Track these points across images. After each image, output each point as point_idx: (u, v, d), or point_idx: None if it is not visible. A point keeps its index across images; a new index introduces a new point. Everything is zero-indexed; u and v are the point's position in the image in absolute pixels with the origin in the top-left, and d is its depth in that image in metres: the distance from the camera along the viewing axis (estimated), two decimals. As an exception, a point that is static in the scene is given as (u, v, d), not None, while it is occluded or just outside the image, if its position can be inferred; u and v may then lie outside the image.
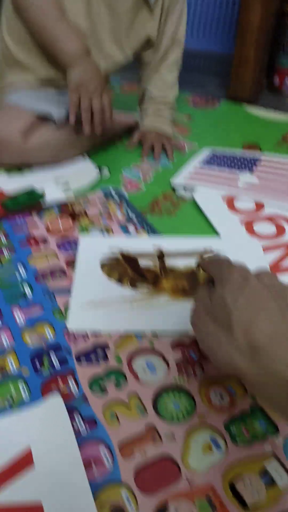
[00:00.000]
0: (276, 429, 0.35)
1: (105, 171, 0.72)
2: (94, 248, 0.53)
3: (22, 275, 0.49)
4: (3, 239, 0.54)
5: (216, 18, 1.33)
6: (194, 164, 0.73)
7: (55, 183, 0.66)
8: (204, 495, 0.31)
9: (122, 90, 1.02)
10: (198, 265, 0.51)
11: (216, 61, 1.27)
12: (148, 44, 0.75)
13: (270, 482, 0.32)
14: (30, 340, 0.42)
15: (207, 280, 0.49)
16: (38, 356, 0.40)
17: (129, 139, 0.80)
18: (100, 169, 0.72)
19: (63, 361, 0.40)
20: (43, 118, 0.69)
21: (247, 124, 0.90)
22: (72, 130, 0.69)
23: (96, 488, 0.31)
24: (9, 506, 0.29)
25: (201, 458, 0.33)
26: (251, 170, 0.69)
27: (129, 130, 0.82)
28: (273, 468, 0.33)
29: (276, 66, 1.05)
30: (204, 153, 0.77)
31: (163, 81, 0.77)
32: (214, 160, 0.73)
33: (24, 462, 0.32)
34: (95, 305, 0.45)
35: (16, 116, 0.67)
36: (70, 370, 0.39)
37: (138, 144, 0.79)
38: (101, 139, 0.76)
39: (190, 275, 0.50)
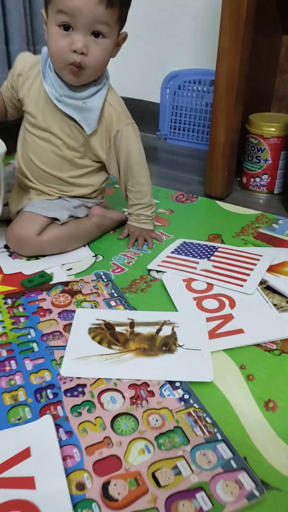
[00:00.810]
0: (188, 441, 0.54)
1: (100, 257, 0.95)
2: (85, 317, 0.75)
3: (32, 336, 0.71)
4: (21, 310, 0.76)
5: (198, 118, 1.63)
6: (167, 252, 0.96)
7: (61, 268, 0.90)
8: (134, 477, 0.50)
9: (115, 187, 1.28)
10: (157, 331, 0.72)
11: (200, 158, 1.55)
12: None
13: (178, 473, 0.51)
14: (35, 380, 0.63)
15: (162, 343, 0.70)
16: (39, 391, 0.61)
17: (120, 230, 1.04)
18: (96, 256, 0.95)
19: (55, 395, 0.60)
20: (52, 220, 0.93)
21: (216, 217, 1.14)
22: (74, 228, 0.95)
23: (68, 472, 0.50)
24: (9, 478, 0.49)
25: (136, 457, 0.52)
26: (208, 257, 0.92)
27: (121, 223, 1.06)
28: (181, 465, 0.52)
29: (243, 169, 1.31)
30: (176, 243, 1.00)
31: (137, 191, 0.97)
32: (182, 249, 0.96)
33: (24, 455, 0.52)
34: (80, 359, 0.66)
35: (32, 220, 0.91)
36: (59, 400, 0.59)
37: (126, 236, 1.02)
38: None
39: (150, 339, 0.71)
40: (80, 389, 0.61)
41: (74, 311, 0.77)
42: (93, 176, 0.98)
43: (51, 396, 0.60)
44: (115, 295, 0.82)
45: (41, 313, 0.76)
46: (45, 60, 0.87)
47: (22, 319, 0.75)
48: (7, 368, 0.65)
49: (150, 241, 1.00)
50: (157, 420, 0.57)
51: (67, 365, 0.65)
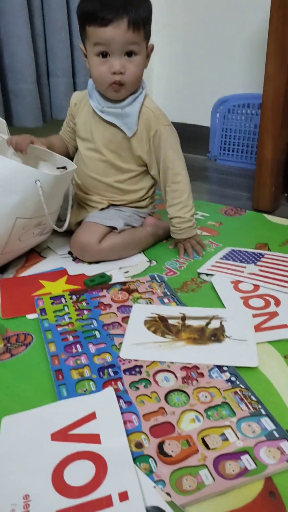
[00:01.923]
0: (234, 414, 0.60)
1: (154, 262, 1.04)
2: (141, 311, 0.83)
3: (95, 325, 0.80)
4: (85, 304, 0.86)
5: (246, 139, 1.71)
6: (216, 258, 1.03)
7: (119, 271, 0.99)
8: (185, 439, 0.57)
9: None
10: (206, 324, 0.79)
11: (248, 177, 1.62)
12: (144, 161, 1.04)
13: (225, 439, 0.57)
14: (98, 361, 0.71)
15: (211, 334, 0.77)
16: (102, 369, 0.69)
17: (170, 240, 1.12)
18: (150, 261, 1.04)
19: (115, 373, 0.69)
20: (110, 229, 1.03)
21: (263, 228, 1.20)
22: (130, 236, 1.04)
23: (127, 433, 0.58)
24: (79, 434, 0.57)
25: (188, 425, 0.59)
26: (255, 263, 0.98)
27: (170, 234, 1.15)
28: (228, 432, 0.58)
29: (291, 185, 1.37)
30: (225, 250, 1.07)
31: (177, 205, 1.03)
32: (230, 255, 1.03)
33: (91, 417, 0.60)
34: (138, 345, 0.74)
35: (93, 229, 1.01)
36: (119, 377, 0.68)
37: (175, 245, 1.10)
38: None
39: (201, 330, 0.78)
40: (137, 369, 0.69)
41: (131, 306, 0.85)
42: (139, 181, 1.08)
43: (112, 374, 0.68)
44: (168, 293, 0.90)
45: (102, 307, 0.85)
46: (91, 86, 1.02)
47: (85, 312, 0.84)
48: (74, 350, 0.74)
49: (198, 248, 1.07)
50: (206, 397, 0.64)
51: (126, 349, 0.73)
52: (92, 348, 0.74)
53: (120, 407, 0.62)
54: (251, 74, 1.69)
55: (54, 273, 1.00)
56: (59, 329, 0.79)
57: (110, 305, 0.86)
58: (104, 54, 0.91)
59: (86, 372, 0.69)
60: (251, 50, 1.66)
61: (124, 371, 0.69)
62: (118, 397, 0.64)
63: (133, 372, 0.69)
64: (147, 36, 0.95)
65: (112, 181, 1.06)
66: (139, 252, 1.08)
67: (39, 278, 0.97)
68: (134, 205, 1.10)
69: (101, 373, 0.69)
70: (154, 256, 1.07)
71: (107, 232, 1.02)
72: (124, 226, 1.04)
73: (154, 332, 0.78)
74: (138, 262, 1.04)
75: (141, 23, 0.90)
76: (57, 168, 0.95)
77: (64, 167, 0.97)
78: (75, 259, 1.05)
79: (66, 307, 0.85)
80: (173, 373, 0.68)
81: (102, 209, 1.08)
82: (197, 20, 1.73)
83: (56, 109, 1.32)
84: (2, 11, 1.17)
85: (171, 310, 0.84)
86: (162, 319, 0.81)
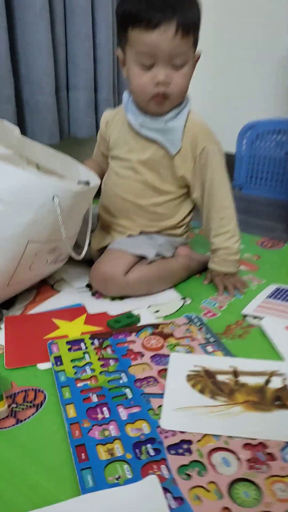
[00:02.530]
0: None
1: (188, 300, 0.88)
2: (181, 363, 0.66)
3: (124, 381, 0.63)
4: (110, 352, 0.70)
5: (277, 168, 1.58)
6: (262, 297, 0.87)
7: (148, 310, 0.83)
8: None
9: (200, 232, 1.23)
10: (266, 383, 0.62)
11: (285, 208, 1.48)
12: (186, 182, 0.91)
13: None
14: (132, 432, 0.54)
15: (274, 397, 0.60)
16: (138, 445, 0.52)
17: (205, 275, 0.97)
18: (184, 298, 0.88)
19: (157, 451, 0.51)
20: (139, 259, 0.88)
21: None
22: (161, 268, 0.89)
23: None
24: None
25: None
26: (311, 304, 0.82)
27: (206, 266, 0.99)
28: None
29: None
30: (270, 288, 0.91)
31: (225, 234, 0.90)
32: (279, 294, 0.87)
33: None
34: (182, 410, 0.57)
35: (119, 258, 0.87)
36: (162, 458, 0.50)
37: (211, 281, 0.95)
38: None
39: (259, 391, 0.61)
40: (185, 446, 0.52)
41: (167, 356, 0.69)
42: (177, 206, 0.94)
43: (152, 453, 0.51)
44: (211, 340, 0.73)
45: (132, 356, 0.69)
46: (126, 99, 0.90)
47: (111, 362, 0.67)
48: (100, 416, 0.57)
49: (239, 285, 0.92)
50: (283, 491, 0.46)
51: (167, 417, 0.56)
52: (123, 413, 0.57)
53: (169, 507, 0.44)
54: (282, 98, 1.57)
55: (70, 310, 0.84)
56: (79, 384, 0.62)
57: (141, 354, 0.69)
58: (147, 63, 0.79)
59: (118, 450, 0.52)
60: (283, 72, 1.56)
61: (169, 448, 0.52)
62: (165, 490, 0.46)
63: (180, 451, 0.52)
64: (195, 43, 0.83)
65: (147, 203, 0.92)
66: (170, 288, 0.92)
67: (52, 317, 0.81)
68: (168, 232, 0.95)
69: (137, 450, 0.52)
70: (188, 293, 0.91)
71: (134, 262, 0.87)
72: (155, 256, 0.88)
73: (201, 391, 0.61)
74: (170, 300, 0.88)
75: (191, 27, 0.78)
76: (78, 182, 0.81)
77: (87, 183, 0.83)
78: (95, 293, 0.89)
79: (87, 355, 0.69)
80: (234, 453, 0.51)
81: (130, 235, 0.93)
82: (225, 40, 1.63)
83: (74, 125, 1.19)
84: (22, 17, 1.07)
85: (218, 362, 0.67)
86: (209, 374, 0.64)
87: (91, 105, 1.25)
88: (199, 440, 0.53)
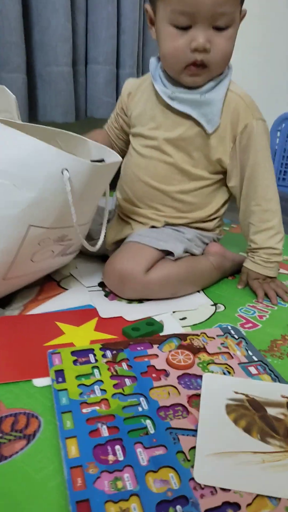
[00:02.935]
0: None
1: (221, 307, 0.72)
2: (218, 388, 0.51)
3: (144, 408, 0.48)
4: (126, 368, 0.55)
5: None
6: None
7: (172, 316, 0.68)
8: None
9: (231, 230, 1.08)
10: None
11: None
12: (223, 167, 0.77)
13: None
14: (155, 485, 0.39)
15: None
16: (164, 507, 0.37)
17: (239, 277, 0.82)
18: (215, 304, 0.73)
19: (191, 517, 0.36)
20: (163, 254, 0.73)
21: None
22: (190, 267, 0.74)
23: None
24: None
25: None
26: None
27: (239, 268, 0.84)
28: None
29: None
30: None
31: (269, 230, 0.76)
32: None
33: None
34: (222, 457, 0.42)
35: (139, 253, 0.72)
36: (199, 530, 0.35)
37: (246, 284, 0.80)
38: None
39: None
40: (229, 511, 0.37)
41: (199, 376, 0.53)
42: (210, 194, 0.79)
43: (184, 520, 0.36)
44: (255, 359, 0.58)
45: (154, 375, 0.54)
46: (154, 67, 0.76)
47: (127, 381, 0.52)
48: (111, 458, 0.42)
49: (281, 291, 0.76)
50: None
51: (202, 465, 0.41)
52: (142, 456, 0.42)
53: None
54: None
55: (78, 312, 0.69)
56: (86, 410, 0.47)
57: (166, 372, 0.54)
58: (184, 23, 0.65)
59: (135, 511, 0.37)
60: None
61: (206, 514, 0.37)
62: None
63: (223, 519, 0.36)
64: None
65: (175, 190, 0.77)
66: (199, 291, 0.77)
67: (56, 319, 0.67)
68: (198, 225, 0.80)
69: (163, 515, 0.36)
70: (220, 298, 0.76)
71: (158, 258, 0.72)
72: (182, 252, 0.73)
73: (248, 430, 0.45)
74: (199, 305, 0.73)
75: None
76: (92, 161, 0.66)
77: (102, 161, 0.68)
78: (108, 294, 0.75)
79: (96, 371, 0.54)
80: (301, 527, 0.36)
81: (152, 227, 0.78)
82: (260, 29, 1.48)
83: (92, 104, 1.05)
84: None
85: (267, 390, 0.52)
86: (256, 406, 0.49)
87: (112, 82, 1.10)
88: (249, 504, 0.38)
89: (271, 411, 0.48)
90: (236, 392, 0.51)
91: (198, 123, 0.73)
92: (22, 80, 0.93)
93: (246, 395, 0.50)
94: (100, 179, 0.66)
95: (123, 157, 0.81)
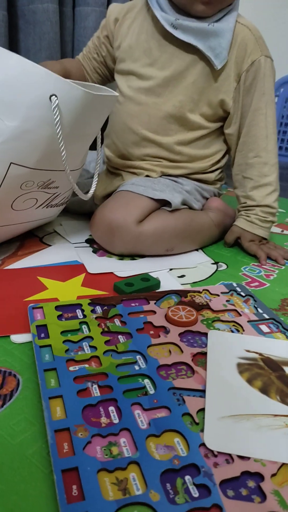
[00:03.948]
0: None
1: (223, 265, 0.65)
2: (226, 346, 0.44)
3: (142, 367, 0.41)
4: (119, 324, 0.47)
5: None
6: None
7: (169, 274, 0.61)
8: None
9: (228, 193, 1.01)
10: None
11: None
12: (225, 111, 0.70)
13: None
14: (158, 452, 0.32)
15: None
16: (170, 478, 0.30)
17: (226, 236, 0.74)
18: (216, 263, 0.66)
19: (204, 489, 0.29)
20: (159, 205, 0.66)
21: None
22: (187, 220, 0.66)
23: None
24: None
25: None
26: None
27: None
28: None
29: None
30: None
31: (267, 186, 0.69)
32: None
33: None
34: (238, 420, 0.35)
35: (131, 202, 0.64)
36: (215, 505, 0.28)
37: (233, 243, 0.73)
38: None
39: None
40: (251, 484, 0.30)
41: (204, 334, 0.46)
42: (209, 143, 0.71)
43: (196, 493, 0.29)
44: (266, 316, 0.51)
45: (151, 332, 0.47)
46: None
47: (121, 338, 0.45)
48: (104, 420, 0.35)
49: (281, 252, 0.70)
50: None
51: (215, 430, 0.34)
52: (142, 418, 0.35)
53: None
54: None
55: (63, 267, 0.62)
56: (73, 368, 0.40)
57: (165, 329, 0.47)
58: None
59: (135, 483, 0.30)
60: None
61: (223, 485, 0.30)
62: None
63: (244, 492, 0.30)
64: None
65: (173, 142, 0.69)
66: (197, 250, 0.70)
67: (38, 274, 0.59)
68: (198, 177, 0.72)
69: (169, 486, 0.29)
70: (221, 257, 0.69)
71: (153, 209, 0.65)
72: (180, 204, 0.66)
73: (265, 391, 0.39)
74: (198, 263, 0.65)
75: None
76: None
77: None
78: (97, 250, 0.67)
79: (85, 326, 0.46)
80: None
81: (147, 177, 0.70)
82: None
83: (80, 51, 0.95)
84: None
85: (283, 348, 0.45)
86: (272, 365, 0.42)
87: (103, 27, 1.00)
88: (274, 474, 0.31)
89: (289, 370, 0.42)
90: (248, 351, 0.44)
91: (202, 58, 0.65)
92: (2, 17, 0.83)
93: (260, 354, 0.43)
94: (94, 113, 0.57)
95: None
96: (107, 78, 0.79)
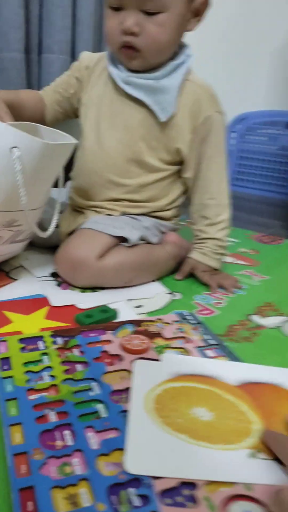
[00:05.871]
0: None
1: (177, 295, 0.71)
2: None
3: (97, 392, 0.45)
4: (78, 354, 0.51)
5: (269, 163, 1.45)
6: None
7: (127, 305, 0.66)
8: None
9: (188, 224, 1.07)
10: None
11: (278, 206, 1.34)
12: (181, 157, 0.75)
13: None
14: (106, 469, 0.36)
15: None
16: (115, 490, 0.34)
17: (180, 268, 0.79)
18: (172, 293, 0.71)
19: (144, 499, 0.33)
20: (118, 241, 0.71)
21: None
22: (145, 255, 0.72)
23: None
24: None
25: None
26: None
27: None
28: None
29: None
30: (277, 285, 0.75)
31: (220, 224, 0.76)
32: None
33: None
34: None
35: (92, 239, 0.69)
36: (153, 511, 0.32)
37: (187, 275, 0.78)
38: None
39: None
40: (186, 492, 0.35)
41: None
42: (168, 185, 0.77)
43: (137, 502, 0.33)
44: (212, 342, 0.56)
45: (107, 360, 0.51)
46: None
47: (79, 367, 0.49)
48: (59, 443, 0.39)
49: (229, 282, 0.76)
50: None
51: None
52: (93, 440, 0.39)
53: None
54: (275, 89, 1.45)
55: (27, 301, 0.66)
56: (33, 396, 0.44)
57: (120, 357, 0.51)
58: (114, 4, 0.65)
59: (85, 497, 0.34)
60: (277, 63, 1.44)
61: (162, 494, 0.34)
62: None
63: (179, 499, 0.34)
64: None
65: (135, 184, 0.75)
66: (154, 281, 0.75)
67: (3, 308, 0.63)
68: (156, 214, 0.78)
69: (114, 499, 0.33)
70: (177, 287, 0.74)
71: (112, 245, 0.70)
72: (138, 240, 0.71)
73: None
74: (155, 294, 0.71)
75: None
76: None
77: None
78: (61, 283, 0.71)
79: (45, 357, 0.51)
80: (263, 504, 0.34)
81: (108, 215, 0.75)
82: (217, 28, 1.51)
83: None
84: None
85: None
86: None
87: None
88: (207, 483, 0.35)
89: (228, 391, 0.46)
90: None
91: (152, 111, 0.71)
92: (-28, 65, 0.90)
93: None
94: (53, 160, 0.63)
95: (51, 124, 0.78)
96: (67, 113, 0.82)
